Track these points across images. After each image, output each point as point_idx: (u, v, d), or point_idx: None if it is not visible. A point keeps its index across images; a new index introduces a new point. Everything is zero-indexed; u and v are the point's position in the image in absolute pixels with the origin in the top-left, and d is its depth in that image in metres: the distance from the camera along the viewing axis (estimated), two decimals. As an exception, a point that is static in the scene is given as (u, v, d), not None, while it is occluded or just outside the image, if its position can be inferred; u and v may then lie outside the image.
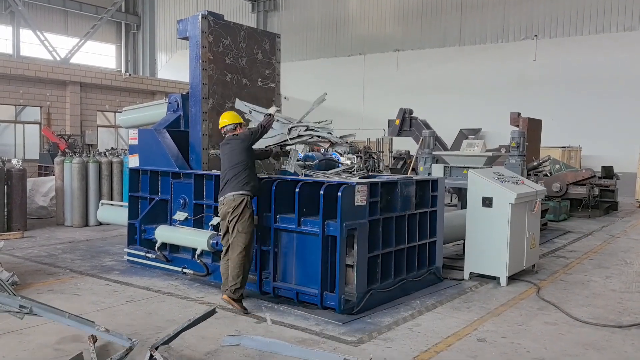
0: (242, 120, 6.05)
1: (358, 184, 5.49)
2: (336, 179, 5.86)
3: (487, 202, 6.65)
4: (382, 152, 20.35)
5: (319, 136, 6.27)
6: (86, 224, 10.76)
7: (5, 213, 9.87)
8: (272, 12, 30.43)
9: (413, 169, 14.24)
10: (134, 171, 7.64)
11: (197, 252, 6.56)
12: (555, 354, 4.55)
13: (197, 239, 6.59)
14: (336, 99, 27.76)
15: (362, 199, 5.51)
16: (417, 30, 25.79)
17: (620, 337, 4.99)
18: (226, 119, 5.96)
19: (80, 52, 28.53)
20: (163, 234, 6.99)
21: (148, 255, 7.19)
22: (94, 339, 4.25)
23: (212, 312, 3.78)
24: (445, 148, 12.98)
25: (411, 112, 14.09)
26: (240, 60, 7.44)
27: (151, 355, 3.50)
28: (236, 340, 3.31)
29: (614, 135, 20.23)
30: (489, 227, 6.68)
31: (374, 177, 6.48)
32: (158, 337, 4.30)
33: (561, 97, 21.48)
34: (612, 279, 7.29)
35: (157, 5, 31.02)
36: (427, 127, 13.37)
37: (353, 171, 6.42)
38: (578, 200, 13.93)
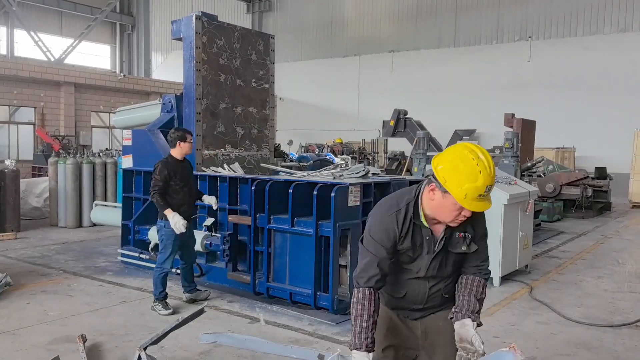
0: None
1: (351, 184, 5.51)
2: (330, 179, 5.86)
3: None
4: (377, 152, 20.40)
5: None
6: (80, 225, 10.73)
7: (-1, 214, 9.85)
8: (267, 13, 30.42)
9: (407, 170, 14.29)
10: (127, 172, 7.64)
11: (191, 253, 6.56)
12: (547, 354, 4.58)
13: (191, 239, 6.58)
14: (331, 100, 27.92)
15: (356, 199, 5.53)
16: (412, 31, 25.84)
17: (611, 337, 5.02)
18: None
19: (75, 52, 28.42)
20: (157, 234, 6.97)
21: (142, 256, 7.19)
22: (84, 338, 4.26)
23: (200, 312, 3.79)
24: (439, 149, 13.00)
25: (406, 112, 14.13)
26: (234, 61, 7.45)
27: (140, 356, 3.51)
28: (213, 337, 3.35)
29: (607, 136, 20.32)
30: (482, 228, 6.69)
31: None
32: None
33: (555, 98, 21.55)
34: (604, 279, 7.33)
35: (151, 5, 30.94)
36: (422, 128, 13.41)
37: (363, 172, 6.30)
38: (571, 200, 13.99)
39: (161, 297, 5.54)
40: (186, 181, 5.64)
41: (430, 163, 10.23)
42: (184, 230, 5.40)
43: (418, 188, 2.47)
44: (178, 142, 5.59)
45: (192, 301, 5.89)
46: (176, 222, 5.36)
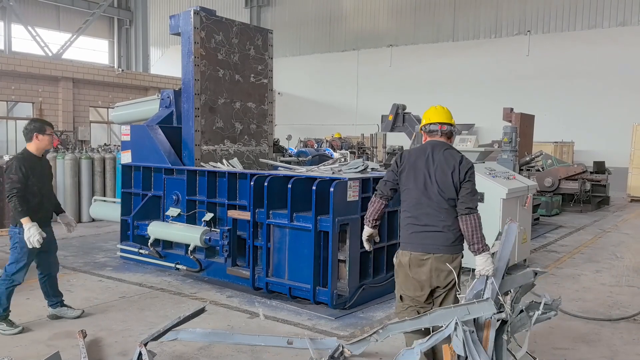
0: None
1: (350, 179, 5.51)
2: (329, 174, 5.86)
3: (478, 197, 6.69)
4: (376, 147, 20.39)
5: None
6: (79, 221, 10.73)
7: (-2, 210, 9.84)
8: (266, 8, 30.33)
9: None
10: (126, 167, 7.63)
11: (190, 248, 6.57)
12: (546, 348, 4.60)
13: (190, 234, 6.60)
14: (330, 95, 27.88)
15: (354, 194, 5.54)
16: (410, 25, 25.78)
17: (609, 331, 5.04)
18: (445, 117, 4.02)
19: (73, 47, 28.31)
20: (156, 230, 7.00)
21: (141, 251, 7.20)
22: (84, 334, 4.27)
23: (201, 311, 3.80)
24: (438, 143, 12.98)
25: (404, 107, 14.08)
26: (233, 56, 7.44)
27: (140, 352, 3.52)
28: (173, 335, 3.44)
29: (606, 131, 20.33)
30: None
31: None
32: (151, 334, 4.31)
33: (554, 93, 21.55)
34: (603, 273, 7.35)
35: (149, 0, 30.84)
36: (420, 122, 13.39)
37: (362, 167, 6.31)
38: (570, 195, 14.02)
39: (4, 315, 4.76)
40: (44, 182, 4.92)
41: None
42: (38, 246, 4.59)
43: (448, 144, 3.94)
44: (35, 134, 4.82)
45: (55, 317, 5.10)
46: (31, 235, 4.54)
